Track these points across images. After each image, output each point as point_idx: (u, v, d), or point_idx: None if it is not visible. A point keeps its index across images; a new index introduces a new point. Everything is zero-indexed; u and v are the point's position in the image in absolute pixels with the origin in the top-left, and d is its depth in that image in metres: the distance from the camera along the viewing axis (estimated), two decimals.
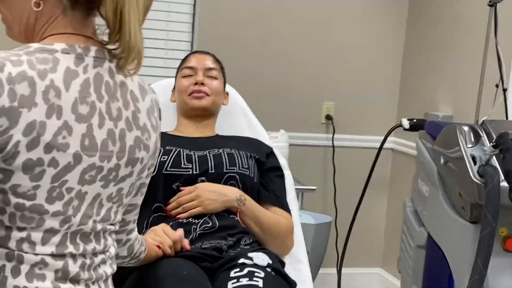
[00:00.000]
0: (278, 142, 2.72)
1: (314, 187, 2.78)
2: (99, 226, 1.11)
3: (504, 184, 1.93)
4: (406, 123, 2.95)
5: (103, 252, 1.13)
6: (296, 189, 2.67)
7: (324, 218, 2.66)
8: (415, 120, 2.94)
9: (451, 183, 2.21)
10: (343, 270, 3.27)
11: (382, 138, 3.15)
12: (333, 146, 3.34)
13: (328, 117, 3.35)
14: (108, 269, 1.15)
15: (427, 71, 3.25)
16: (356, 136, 3.43)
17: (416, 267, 2.46)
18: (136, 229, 1.38)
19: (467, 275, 1.98)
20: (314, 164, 3.37)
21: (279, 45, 3.25)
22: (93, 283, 1.10)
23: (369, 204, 3.44)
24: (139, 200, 1.29)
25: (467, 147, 2.10)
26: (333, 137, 3.34)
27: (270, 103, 3.25)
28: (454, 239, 2.18)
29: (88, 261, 1.09)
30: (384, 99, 3.45)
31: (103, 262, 1.14)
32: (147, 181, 1.28)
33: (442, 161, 2.28)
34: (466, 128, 2.16)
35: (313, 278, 2.66)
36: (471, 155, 2.08)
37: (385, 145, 3.26)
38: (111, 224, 1.15)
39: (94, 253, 1.11)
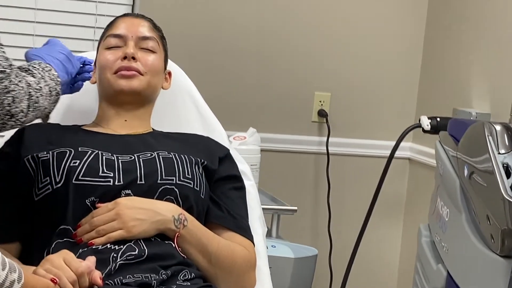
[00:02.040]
0: (246, 145, 2.73)
1: (295, 208, 2.78)
2: None
3: None
4: (426, 123, 2.97)
5: None
6: (269, 209, 2.71)
7: (308, 250, 2.66)
8: (438, 119, 2.97)
9: (477, 202, 2.22)
10: None
11: (394, 143, 3.16)
12: (328, 153, 3.35)
13: (321, 114, 3.36)
14: None
15: (457, 55, 3.27)
16: (360, 140, 3.44)
17: None
18: None
19: None
20: (300, 177, 3.37)
21: (251, 14, 3.26)
22: None
23: (377, 233, 3.45)
24: None
25: (499, 154, 2.12)
26: (327, 141, 3.34)
27: (235, 91, 3.25)
28: (481, 280, 2.19)
29: None
30: (398, 90, 3.47)
31: None
32: None
33: (466, 172, 2.29)
34: (498, 128, 2.18)
35: None
36: (503, 164, 2.10)
37: (399, 153, 3.28)
38: None
39: None
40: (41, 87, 1.80)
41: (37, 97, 1.78)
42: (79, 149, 1.92)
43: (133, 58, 2.04)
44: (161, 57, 2.12)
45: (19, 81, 1.73)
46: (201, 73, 3.00)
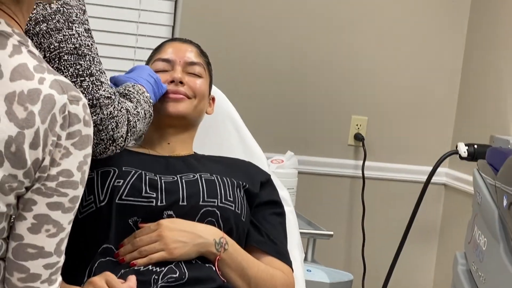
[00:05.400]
0: (284, 168, 2.75)
1: (331, 232, 2.80)
2: None
3: None
4: (463, 149, 2.98)
5: None
6: (305, 233, 2.73)
7: (343, 275, 2.67)
8: (476, 146, 2.98)
9: None
10: None
11: (431, 168, 3.17)
12: (363, 177, 3.36)
13: (358, 137, 3.38)
14: None
15: (495, 81, 3.27)
16: (396, 164, 3.45)
17: None
18: None
19: None
20: (335, 200, 3.39)
21: (289, 38, 3.30)
22: None
23: (411, 259, 3.45)
24: (43, 241, 1.37)
25: None
26: (363, 165, 3.36)
27: (274, 114, 3.28)
28: None
29: None
30: (435, 115, 3.48)
31: None
32: (49, 211, 1.36)
33: (505, 202, 2.29)
34: None
35: None
36: None
37: (435, 179, 3.29)
38: None
39: None
40: (138, 111, 1.87)
41: (135, 122, 1.84)
42: (123, 169, 1.94)
43: (181, 82, 2.08)
44: (207, 82, 2.15)
45: (122, 107, 1.78)
46: (240, 97, 3.03)
